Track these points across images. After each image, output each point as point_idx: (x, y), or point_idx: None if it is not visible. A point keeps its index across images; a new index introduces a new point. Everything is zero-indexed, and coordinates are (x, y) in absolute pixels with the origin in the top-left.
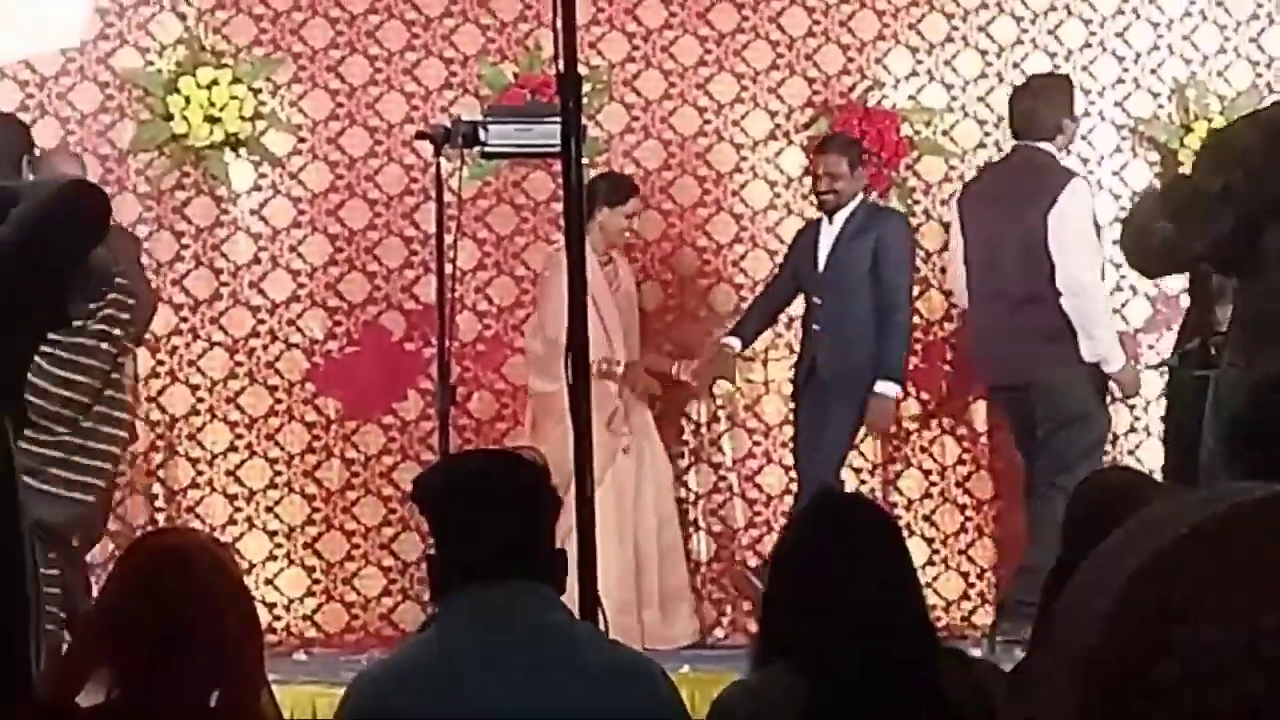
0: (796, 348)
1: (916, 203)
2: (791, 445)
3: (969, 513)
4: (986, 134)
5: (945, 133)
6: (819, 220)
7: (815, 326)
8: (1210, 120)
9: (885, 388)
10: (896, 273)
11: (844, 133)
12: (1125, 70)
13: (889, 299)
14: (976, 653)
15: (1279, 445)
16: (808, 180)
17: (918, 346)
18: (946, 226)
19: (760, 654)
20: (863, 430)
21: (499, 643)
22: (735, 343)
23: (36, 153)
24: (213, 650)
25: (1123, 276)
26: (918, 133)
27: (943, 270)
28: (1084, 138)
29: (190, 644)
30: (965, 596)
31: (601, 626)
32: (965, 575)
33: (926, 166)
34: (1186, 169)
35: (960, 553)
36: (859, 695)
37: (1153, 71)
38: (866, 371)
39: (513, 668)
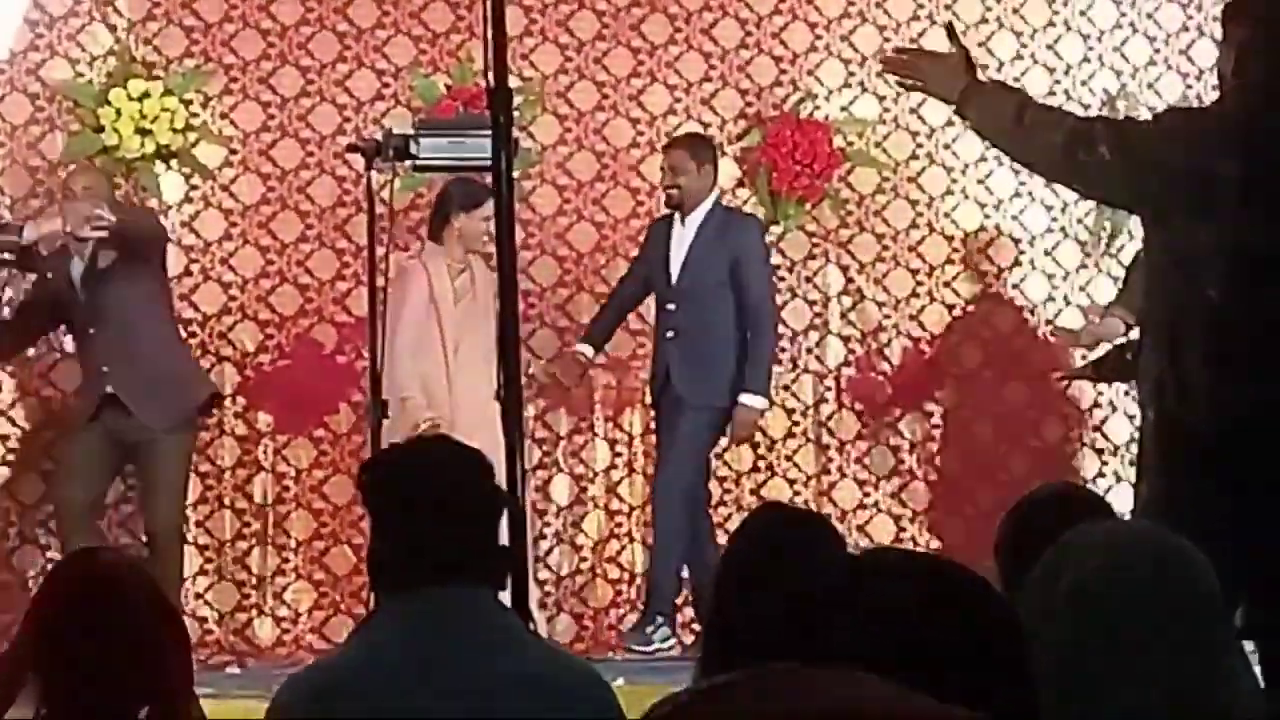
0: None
1: (850, 213)
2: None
3: (903, 523)
4: (919, 145)
5: (878, 144)
6: (669, 219)
7: (668, 334)
8: None
9: (754, 400)
10: (760, 284)
11: (694, 132)
12: (1056, 82)
13: (756, 313)
14: None
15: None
16: (741, 192)
17: (852, 358)
18: (879, 238)
19: (703, 667)
20: (728, 442)
21: (435, 650)
22: (588, 350)
23: None
24: (140, 667)
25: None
26: (850, 144)
27: (876, 281)
28: None
29: (117, 661)
30: None
31: (533, 628)
32: None
33: (859, 178)
34: None
35: None
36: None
37: (1084, 83)
38: (723, 383)
39: (448, 676)
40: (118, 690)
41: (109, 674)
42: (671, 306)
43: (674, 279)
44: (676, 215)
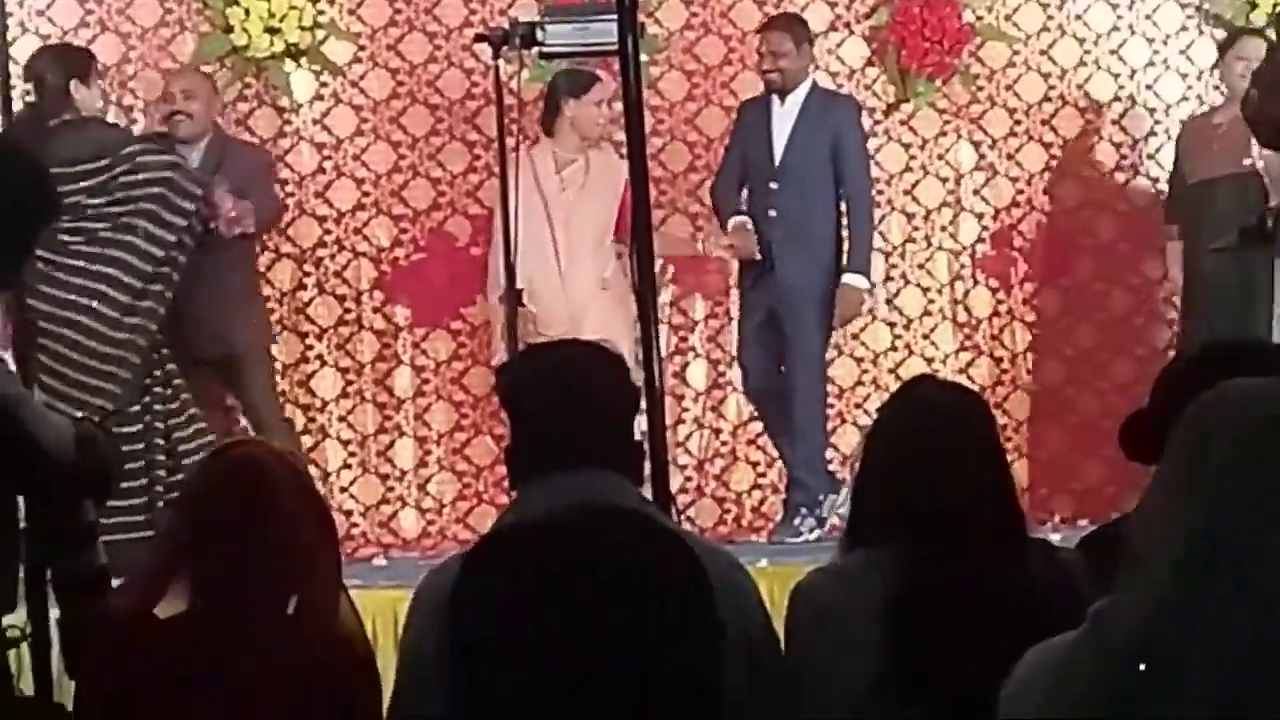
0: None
1: (980, 89)
2: (739, 338)
3: (1040, 399)
4: (1050, 17)
5: (1008, 17)
6: (766, 100)
7: (771, 212)
8: None
9: (857, 280)
10: (859, 166)
11: (790, 12)
12: None
13: (855, 195)
14: (1056, 538)
15: None
16: (870, 71)
17: (986, 235)
18: (1011, 112)
19: (848, 539)
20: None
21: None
22: (747, 220)
23: (94, 76)
24: (289, 558)
25: None
26: (980, 18)
27: (1009, 157)
28: (1148, 17)
29: (267, 553)
30: (1040, 483)
31: (674, 518)
32: (1035, 462)
33: (989, 52)
34: None
35: (1032, 440)
36: (947, 581)
37: None
38: (830, 266)
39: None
40: (269, 580)
41: (260, 564)
42: (775, 185)
43: (778, 159)
44: (775, 97)
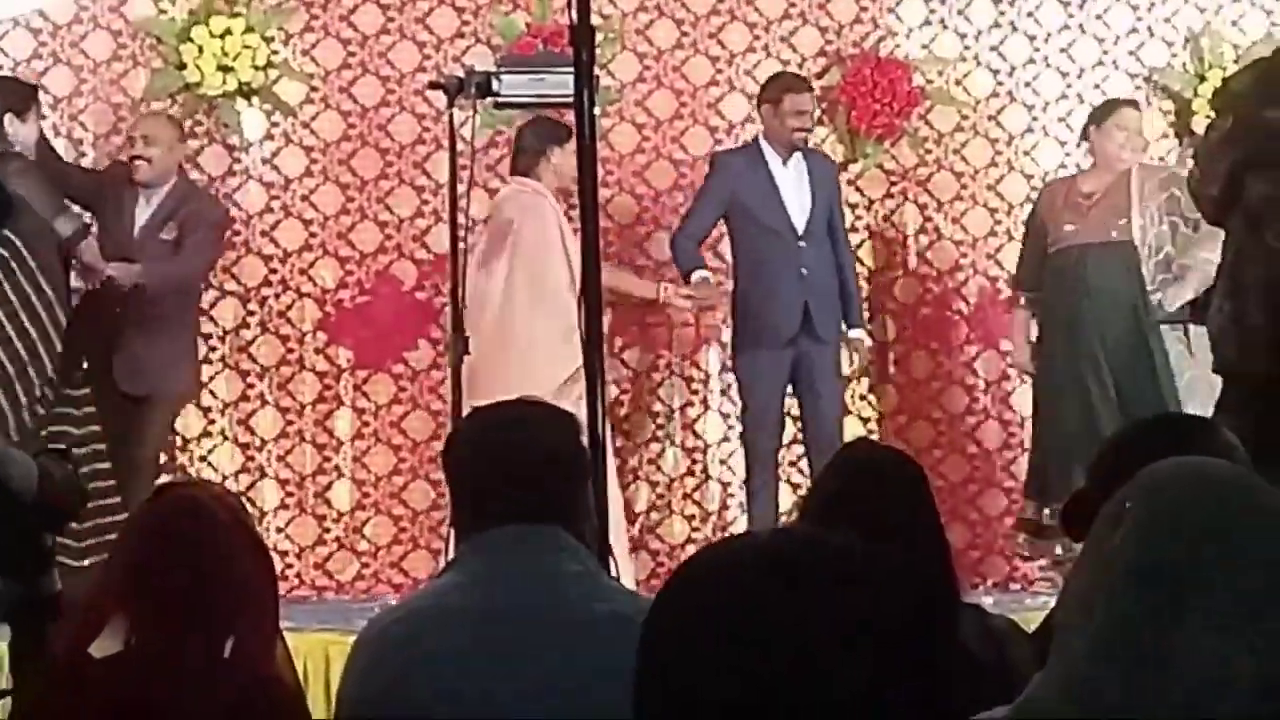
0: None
1: (929, 152)
2: (755, 390)
3: (977, 462)
4: (999, 83)
5: (958, 82)
6: (758, 157)
7: (803, 271)
8: (1224, 69)
9: (862, 334)
10: (842, 220)
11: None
12: (1139, 19)
13: (846, 249)
14: (988, 602)
15: None
16: (820, 130)
17: (929, 297)
18: (958, 176)
19: None
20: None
21: (510, 589)
22: (709, 274)
23: (33, 111)
24: (228, 600)
25: None
26: (930, 82)
27: (954, 220)
28: (1098, 86)
29: (205, 594)
30: (973, 546)
31: (612, 572)
32: (972, 525)
33: (938, 116)
34: (1200, 118)
35: (968, 502)
36: None
37: (1166, 20)
38: (841, 320)
39: (522, 616)
40: (206, 621)
41: (197, 605)
42: (803, 244)
43: (804, 217)
44: (767, 153)
